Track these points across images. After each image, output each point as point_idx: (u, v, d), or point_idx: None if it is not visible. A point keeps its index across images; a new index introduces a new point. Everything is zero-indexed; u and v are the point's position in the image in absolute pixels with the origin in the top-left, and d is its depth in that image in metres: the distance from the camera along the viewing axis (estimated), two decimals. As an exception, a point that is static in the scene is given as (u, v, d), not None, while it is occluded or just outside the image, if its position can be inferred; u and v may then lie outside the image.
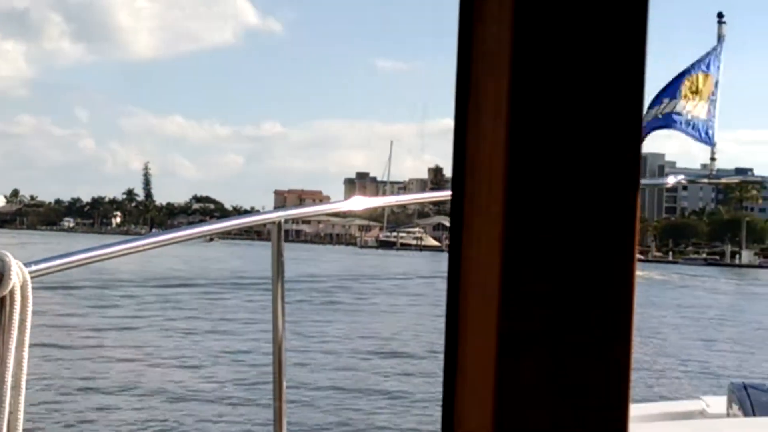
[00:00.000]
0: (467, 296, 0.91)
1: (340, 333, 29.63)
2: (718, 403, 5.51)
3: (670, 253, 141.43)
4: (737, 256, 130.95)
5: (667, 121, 6.64)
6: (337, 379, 20.89)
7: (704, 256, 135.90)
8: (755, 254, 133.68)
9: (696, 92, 6.49)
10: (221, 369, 22.14)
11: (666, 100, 6.64)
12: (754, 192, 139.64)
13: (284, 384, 3.76)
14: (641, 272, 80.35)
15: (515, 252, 0.86)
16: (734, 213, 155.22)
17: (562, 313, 0.86)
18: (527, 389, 0.86)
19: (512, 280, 0.86)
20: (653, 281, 75.57)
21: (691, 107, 6.56)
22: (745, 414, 4.88)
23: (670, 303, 50.42)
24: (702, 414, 5.48)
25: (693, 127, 6.52)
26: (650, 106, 6.64)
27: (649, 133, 6.73)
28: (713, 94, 6.56)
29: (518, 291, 0.86)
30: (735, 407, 5.04)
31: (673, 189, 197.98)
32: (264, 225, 3.93)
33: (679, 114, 6.54)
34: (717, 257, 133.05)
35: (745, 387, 5.08)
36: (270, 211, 4.24)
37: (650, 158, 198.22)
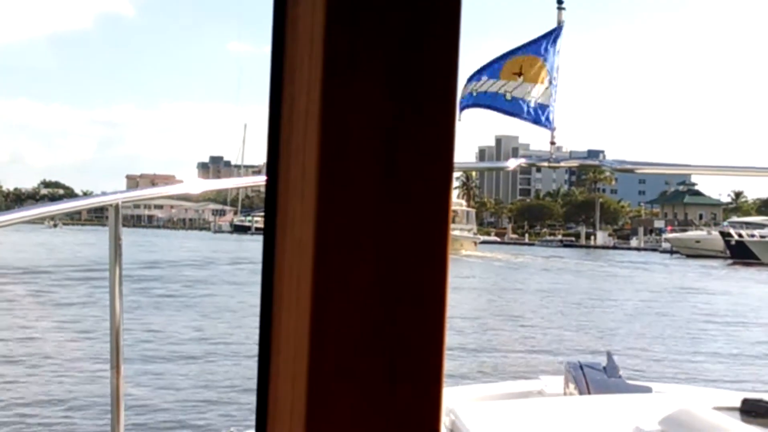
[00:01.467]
0: (282, 279, 0.93)
1: (181, 322, 27.67)
2: (556, 382, 5.61)
3: (527, 235, 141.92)
4: (592, 237, 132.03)
5: (482, 100, 6.57)
6: (175, 371, 19.67)
7: (560, 237, 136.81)
8: (609, 235, 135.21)
9: (519, 74, 6.49)
10: (55, 359, 20.54)
11: (484, 78, 6.58)
12: (608, 173, 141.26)
13: (122, 370, 3.83)
14: (499, 255, 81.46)
15: (328, 234, 0.87)
16: (588, 194, 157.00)
17: (376, 293, 0.88)
18: (340, 369, 0.87)
19: (325, 261, 0.87)
20: (511, 264, 75.91)
21: (510, 87, 6.55)
22: (581, 392, 5.03)
23: (525, 284, 50.20)
24: (541, 393, 5.57)
25: (519, 108, 6.48)
26: (467, 82, 6.60)
27: (462, 109, 6.61)
28: (554, 79, 6.48)
29: (331, 272, 0.87)
30: (571, 386, 5.18)
31: (527, 171, 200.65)
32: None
33: (497, 93, 6.53)
34: (573, 238, 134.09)
35: (581, 366, 5.23)
36: (106, 194, 4.16)
37: (504, 140, 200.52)
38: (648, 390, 5.13)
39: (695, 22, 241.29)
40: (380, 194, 0.87)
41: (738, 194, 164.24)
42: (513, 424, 3.90)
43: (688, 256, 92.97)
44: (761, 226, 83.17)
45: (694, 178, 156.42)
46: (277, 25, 0.93)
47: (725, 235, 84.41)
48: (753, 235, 76.16)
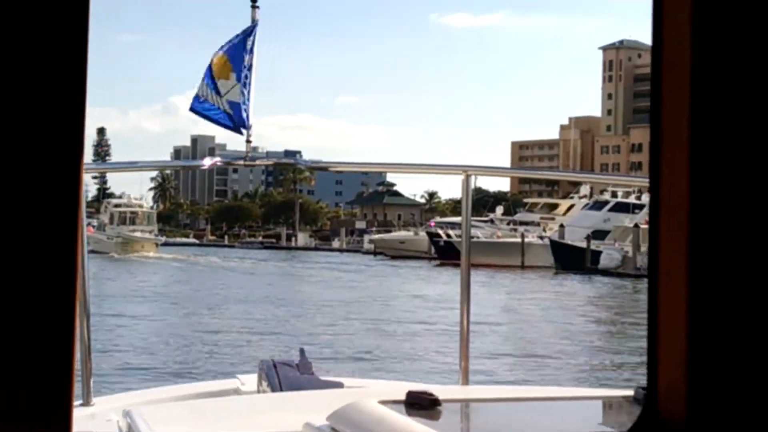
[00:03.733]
0: None
1: None
2: (251, 380, 5.57)
3: (226, 237, 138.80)
4: (293, 238, 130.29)
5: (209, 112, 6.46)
6: None
7: (260, 239, 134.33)
8: (310, 236, 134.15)
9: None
10: None
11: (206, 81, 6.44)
12: (307, 173, 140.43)
13: None
14: (201, 258, 78.56)
15: None
16: (287, 195, 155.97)
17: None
18: None
19: None
20: (215, 266, 74.88)
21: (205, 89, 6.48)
22: (273, 390, 5.09)
23: (226, 288, 49.65)
24: (236, 392, 5.59)
25: (214, 110, 6.43)
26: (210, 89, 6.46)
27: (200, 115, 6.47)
28: (246, 77, 6.36)
29: None
30: (264, 384, 5.24)
31: (224, 171, 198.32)
32: None
33: (198, 96, 6.44)
34: (273, 240, 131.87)
35: (275, 364, 5.30)
36: None
37: (200, 140, 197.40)
38: (340, 385, 5.15)
39: (394, 35, 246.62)
40: (5, 190, 0.86)
41: (432, 195, 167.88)
42: (185, 423, 3.90)
43: (393, 257, 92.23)
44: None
45: (392, 179, 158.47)
46: None
47: (433, 235, 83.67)
48: (461, 236, 75.65)
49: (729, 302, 1.43)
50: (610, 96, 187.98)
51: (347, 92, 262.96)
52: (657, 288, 1.49)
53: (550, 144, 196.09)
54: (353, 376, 9.90)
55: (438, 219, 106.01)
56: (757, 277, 1.44)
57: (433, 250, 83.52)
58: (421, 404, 3.27)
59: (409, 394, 3.33)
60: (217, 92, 6.35)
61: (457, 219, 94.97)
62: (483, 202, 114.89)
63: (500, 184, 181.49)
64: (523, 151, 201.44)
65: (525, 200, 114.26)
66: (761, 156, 1.43)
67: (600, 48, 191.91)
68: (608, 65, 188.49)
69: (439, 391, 3.52)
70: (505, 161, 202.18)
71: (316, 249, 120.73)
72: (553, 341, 28.66)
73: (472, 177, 5.29)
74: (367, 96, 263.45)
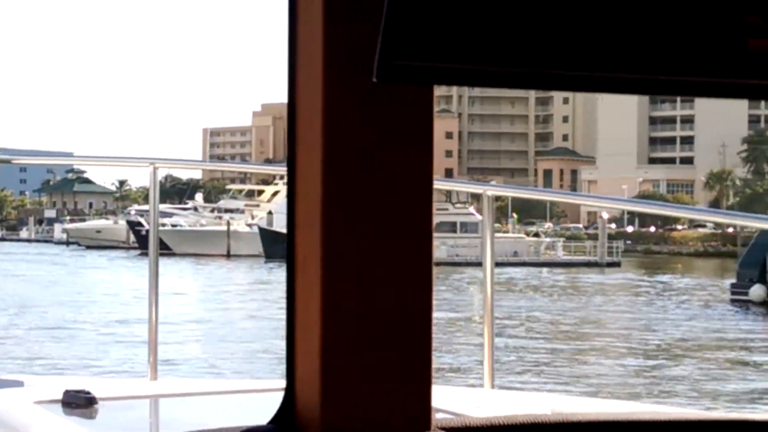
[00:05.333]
0: None
1: None
2: None
3: None
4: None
5: None
6: None
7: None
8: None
9: None
10: None
11: None
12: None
13: None
14: None
15: None
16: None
17: None
18: None
19: None
20: None
21: None
22: None
23: None
24: None
25: None
26: None
27: None
28: None
29: None
30: None
31: None
32: None
33: None
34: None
35: None
36: None
37: None
38: (20, 384, 4.65)
39: (72, 17, 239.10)
40: None
41: (122, 182, 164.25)
42: None
43: (88, 247, 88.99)
44: (169, 214, 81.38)
45: (82, 167, 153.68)
46: None
47: (134, 224, 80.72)
48: (164, 225, 73.66)
49: (362, 294, 1.46)
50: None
51: (32, 75, 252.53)
52: (294, 280, 1.50)
53: (243, 131, 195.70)
54: (38, 374, 9.71)
55: (137, 207, 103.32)
56: (389, 267, 1.47)
57: (132, 239, 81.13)
58: (77, 403, 3.28)
59: (66, 393, 3.31)
60: None
61: (161, 207, 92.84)
62: (178, 189, 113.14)
63: (193, 172, 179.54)
64: (214, 138, 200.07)
65: (228, 187, 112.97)
66: (392, 148, 1.46)
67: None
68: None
69: (120, 386, 3.59)
70: (197, 148, 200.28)
71: (2, 240, 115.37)
72: (251, 332, 28.58)
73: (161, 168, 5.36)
74: (54, 81, 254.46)
